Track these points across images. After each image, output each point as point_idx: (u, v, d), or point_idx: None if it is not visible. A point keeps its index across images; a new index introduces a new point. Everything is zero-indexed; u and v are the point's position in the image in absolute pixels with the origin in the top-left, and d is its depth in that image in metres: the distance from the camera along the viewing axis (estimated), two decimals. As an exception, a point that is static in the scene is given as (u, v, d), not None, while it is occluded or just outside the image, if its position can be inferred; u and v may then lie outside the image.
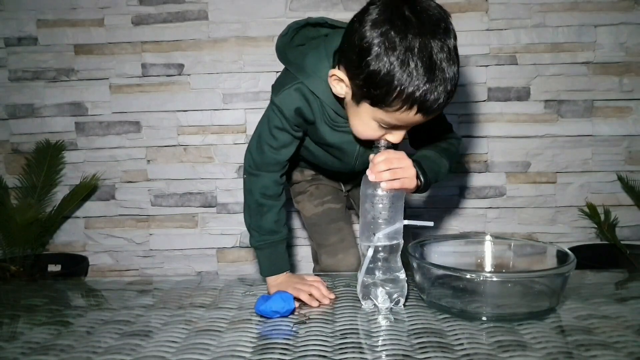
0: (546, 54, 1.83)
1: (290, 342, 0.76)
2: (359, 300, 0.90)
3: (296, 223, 1.92)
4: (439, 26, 0.76)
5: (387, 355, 0.71)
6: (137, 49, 1.87)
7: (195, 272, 1.96)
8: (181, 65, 1.87)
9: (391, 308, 0.88)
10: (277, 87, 0.96)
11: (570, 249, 0.91)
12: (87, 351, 0.75)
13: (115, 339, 0.80)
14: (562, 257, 0.89)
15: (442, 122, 1.03)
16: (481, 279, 0.81)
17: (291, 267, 1.03)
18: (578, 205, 1.88)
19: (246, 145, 1.05)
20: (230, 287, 1.05)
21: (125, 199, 1.94)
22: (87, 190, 1.89)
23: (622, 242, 1.74)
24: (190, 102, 1.88)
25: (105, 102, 1.90)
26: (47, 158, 1.86)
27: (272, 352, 0.73)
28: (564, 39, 1.82)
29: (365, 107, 0.83)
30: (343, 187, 1.29)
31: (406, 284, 0.88)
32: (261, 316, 0.87)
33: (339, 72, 0.85)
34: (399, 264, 0.88)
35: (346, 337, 0.77)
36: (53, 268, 1.87)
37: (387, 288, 0.87)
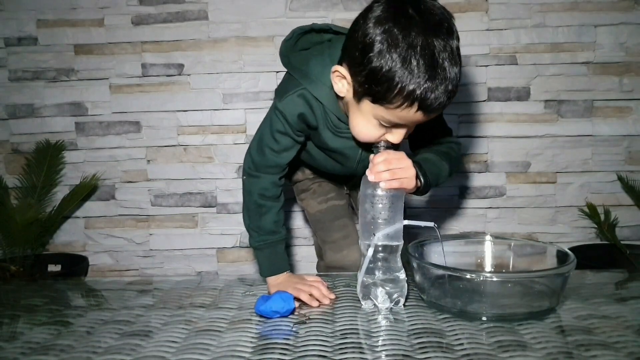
0: (546, 54, 1.83)
1: (290, 342, 0.76)
2: (359, 300, 0.90)
3: (295, 223, 1.92)
4: (442, 26, 0.77)
5: (387, 355, 0.71)
6: (137, 49, 1.87)
7: (195, 272, 1.96)
8: (181, 65, 1.87)
9: (391, 308, 0.88)
10: (280, 93, 0.96)
11: (570, 249, 0.91)
12: (87, 351, 0.75)
13: (115, 339, 0.80)
14: (562, 257, 0.89)
15: (442, 127, 1.03)
16: (481, 279, 0.81)
17: (291, 267, 1.03)
18: (578, 205, 1.88)
19: (246, 145, 1.04)
20: (230, 287, 1.05)
21: (125, 199, 1.94)
22: (87, 190, 1.88)
23: (622, 242, 1.74)
24: (190, 102, 1.88)
25: (105, 102, 1.90)
26: (47, 158, 1.86)
27: (272, 352, 0.73)
28: (564, 39, 1.82)
29: (367, 104, 0.83)
30: (344, 187, 1.30)
31: (406, 284, 0.88)
32: (261, 316, 0.87)
33: (342, 69, 0.85)
34: (399, 264, 0.88)
35: (346, 337, 0.77)
36: (53, 268, 1.87)
37: (387, 288, 0.87)
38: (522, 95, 1.85)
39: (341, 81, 0.86)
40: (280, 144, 0.97)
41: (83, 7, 1.86)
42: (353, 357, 0.70)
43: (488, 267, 0.99)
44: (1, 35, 1.88)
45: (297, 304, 0.90)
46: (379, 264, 0.87)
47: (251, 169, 1.00)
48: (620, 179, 1.84)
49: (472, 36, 1.82)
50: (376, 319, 0.84)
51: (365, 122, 0.86)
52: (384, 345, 0.74)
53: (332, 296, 0.95)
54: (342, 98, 0.89)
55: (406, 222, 0.87)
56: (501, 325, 0.79)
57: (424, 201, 1.90)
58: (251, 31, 1.85)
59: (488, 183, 1.90)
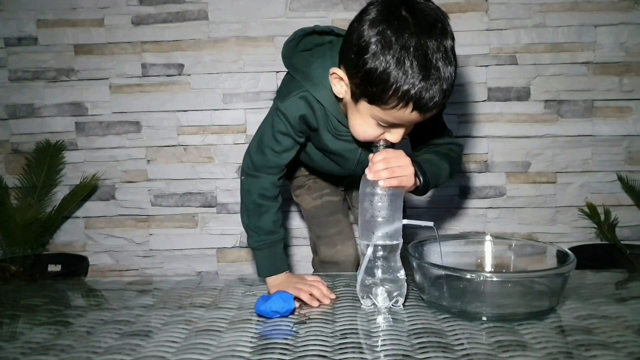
0: (546, 54, 1.83)
1: (290, 342, 0.76)
2: (359, 299, 0.90)
3: (294, 223, 1.92)
4: (436, 26, 0.77)
5: (387, 355, 0.71)
6: (137, 49, 1.87)
7: (195, 272, 1.96)
8: (181, 65, 1.87)
9: (391, 308, 0.88)
10: (282, 94, 0.96)
11: (570, 249, 0.91)
12: (87, 351, 0.75)
13: (115, 339, 0.80)
14: (562, 257, 0.89)
15: (442, 128, 1.04)
16: (481, 279, 0.81)
17: (290, 268, 1.03)
18: (578, 205, 1.88)
19: (246, 145, 1.05)
20: (230, 287, 1.05)
21: (125, 199, 1.94)
22: (87, 190, 1.88)
23: (622, 242, 1.74)
24: (190, 102, 1.88)
25: (105, 102, 1.90)
26: (47, 158, 1.86)
27: (272, 352, 0.73)
28: (564, 39, 1.82)
29: (364, 105, 0.84)
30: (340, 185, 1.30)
31: (406, 284, 0.88)
32: (261, 316, 0.87)
33: (339, 71, 0.86)
34: (399, 263, 0.89)
35: (346, 337, 0.77)
36: (53, 268, 1.87)
37: (386, 287, 0.87)
38: (522, 95, 1.85)
39: (339, 83, 0.87)
40: (282, 144, 0.98)
41: (83, 7, 1.86)
42: (353, 357, 0.70)
43: (488, 267, 0.99)
44: (1, 35, 1.88)
45: (297, 303, 0.90)
46: (379, 263, 0.87)
47: (250, 169, 1.00)
48: (620, 179, 1.84)
49: (472, 36, 1.81)
50: (376, 319, 0.84)
51: (364, 122, 0.87)
52: (384, 345, 0.74)
53: (332, 296, 0.95)
54: (341, 100, 0.90)
55: (405, 221, 0.87)
56: (501, 325, 0.79)
57: (424, 201, 1.90)
58: (251, 31, 1.85)
59: (488, 183, 1.90)
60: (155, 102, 1.89)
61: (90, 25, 1.87)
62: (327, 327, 0.81)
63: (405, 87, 0.76)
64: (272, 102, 1.01)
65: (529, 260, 0.97)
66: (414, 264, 0.88)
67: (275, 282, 0.99)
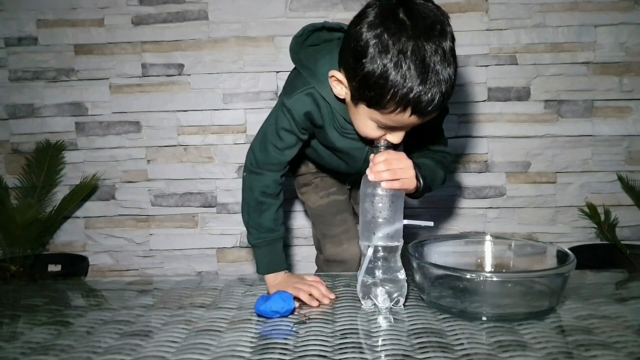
0: (546, 54, 1.83)
1: (290, 342, 0.76)
2: (359, 300, 0.90)
3: (295, 223, 1.92)
4: (434, 28, 0.77)
5: (387, 355, 0.71)
6: (137, 49, 1.87)
7: (195, 272, 1.96)
8: (181, 65, 1.87)
9: (391, 308, 0.88)
10: (288, 90, 0.96)
11: (570, 249, 0.91)
12: (87, 351, 0.75)
13: (115, 339, 0.80)
14: (562, 257, 0.89)
15: (439, 136, 1.04)
16: (481, 279, 0.81)
17: (290, 268, 1.03)
18: (578, 205, 1.88)
19: (246, 145, 1.05)
20: (230, 287, 1.05)
21: (125, 199, 1.94)
22: (87, 190, 1.88)
23: (622, 242, 1.74)
24: (190, 102, 1.88)
25: (105, 102, 1.90)
26: (47, 158, 1.86)
27: (272, 352, 0.73)
28: (564, 39, 1.82)
29: (363, 108, 0.84)
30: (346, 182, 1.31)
31: (406, 284, 0.88)
32: (261, 316, 0.87)
33: (338, 74, 0.86)
34: (399, 263, 0.89)
35: (346, 337, 0.77)
36: (53, 268, 1.87)
37: (387, 287, 0.87)
38: (522, 95, 1.85)
39: (339, 85, 0.87)
40: (285, 141, 0.98)
41: (83, 7, 1.86)
42: (353, 357, 0.70)
43: (488, 267, 0.99)
44: (1, 35, 1.88)
45: (297, 303, 0.90)
46: (379, 263, 0.87)
47: (253, 166, 1.00)
48: (620, 179, 1.84)
49: (472, 36, 1.82)
50: (376, 319, 0.84)
51: (364, 124, 0.87)
52: (384, 345, 0.74)
53: (332, 296, 0.95)
54: (344, 100, 0.90)
55: (406, 221, 0.87)
56: (501, 325, 0.79)
57: (424, 201, 1.90)
58: (251, 31, 1.85)
59: (488, 183, 1.90)
60: (155, 102, 1.89)
61: (90, 25, 1.87)
62: (327, 327, 0.81)
63: (403, 91, 0.76)
64: (272, 102, 1.01)
65: (529, 260, 0.97)
66: (414, 264, 0.88)
67: (275, 281, 0.99)
